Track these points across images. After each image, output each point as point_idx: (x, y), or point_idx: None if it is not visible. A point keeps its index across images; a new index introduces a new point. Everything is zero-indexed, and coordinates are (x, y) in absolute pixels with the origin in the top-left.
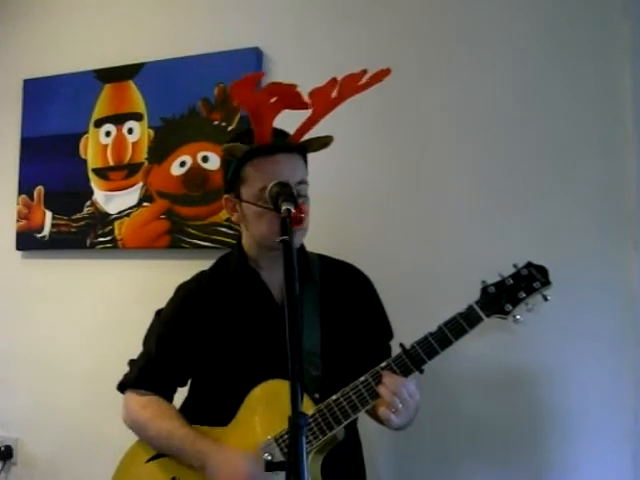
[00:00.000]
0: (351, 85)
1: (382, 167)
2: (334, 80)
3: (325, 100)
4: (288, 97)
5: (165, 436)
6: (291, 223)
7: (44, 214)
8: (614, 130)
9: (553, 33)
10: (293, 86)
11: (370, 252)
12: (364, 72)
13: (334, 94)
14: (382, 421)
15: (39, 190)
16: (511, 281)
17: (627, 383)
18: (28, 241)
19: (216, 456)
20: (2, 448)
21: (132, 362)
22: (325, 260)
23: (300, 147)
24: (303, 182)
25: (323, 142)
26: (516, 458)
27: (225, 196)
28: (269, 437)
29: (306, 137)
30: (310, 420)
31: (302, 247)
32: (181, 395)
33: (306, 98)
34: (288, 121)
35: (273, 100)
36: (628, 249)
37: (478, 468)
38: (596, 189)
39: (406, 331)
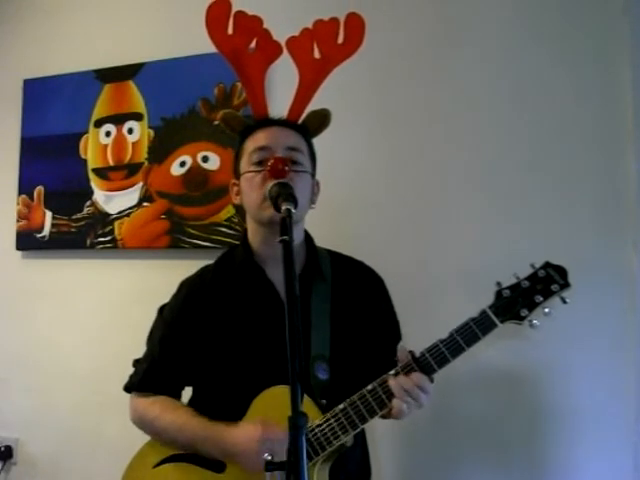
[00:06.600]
0: (330, 43)
1: (381, 166)
2: (307, 30)
3: (309, 59)
4: (258, 33)
5: (177, 428)
6: (270, 174)
7: (44, 214)
8: (614, 130)
9: (553, 33)
10: (258, 18)
11: (369, 252)
12: (335, 20)
13: (317, 54)
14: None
15: (39, 190)
16: (527, 283)
17: (628, 382)
18: (28, 241)
19: (231, 435)
20: (2, 448)
21: (137, 363)
22: (336, 257)
23: (299, 124)
24: (296, 150)
25: (321, 115)
26: (517, 457)
27: (230, 182)
28: None
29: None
30: (317, 430)
31: (311, 242)
32: (186, 394)
33: (278, 40)
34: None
35: (251, 49)
36: (628, 249)
37: (480, 467)
38: (596, 189)
39: (406, 330)
